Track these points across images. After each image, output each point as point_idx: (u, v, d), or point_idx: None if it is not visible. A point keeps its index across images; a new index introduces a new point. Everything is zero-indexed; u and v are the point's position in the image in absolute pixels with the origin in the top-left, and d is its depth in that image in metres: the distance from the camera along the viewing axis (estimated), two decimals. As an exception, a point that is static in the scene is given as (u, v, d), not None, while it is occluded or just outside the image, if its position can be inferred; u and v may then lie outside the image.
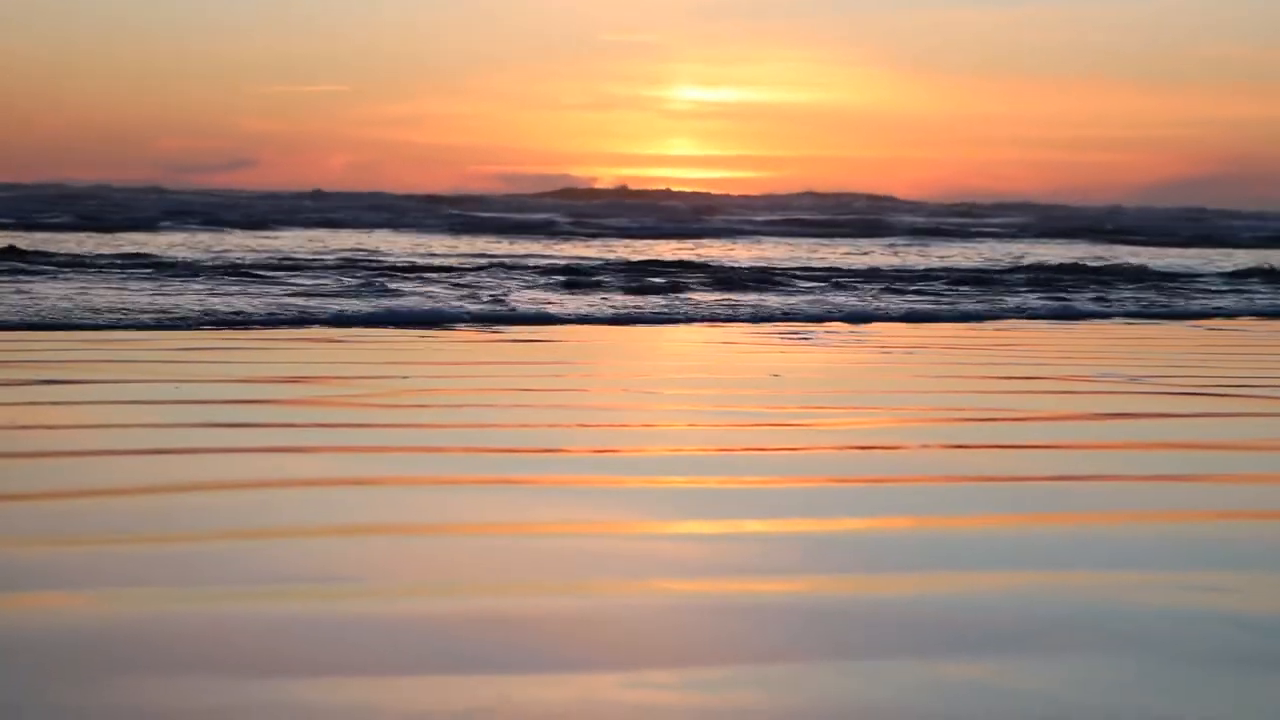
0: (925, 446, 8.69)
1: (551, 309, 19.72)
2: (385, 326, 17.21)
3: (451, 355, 14.18)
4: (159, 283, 21.67)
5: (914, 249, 43.33)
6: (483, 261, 30.08)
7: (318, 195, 78.05)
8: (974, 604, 4.96)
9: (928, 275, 28.98)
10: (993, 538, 6.19)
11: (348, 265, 27.06)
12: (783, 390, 11.74)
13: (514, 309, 19.54)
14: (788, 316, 20.04)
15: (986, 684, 4.11)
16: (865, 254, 39.04)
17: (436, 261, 29.84)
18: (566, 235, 46.84)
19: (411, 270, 26.36)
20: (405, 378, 11.98)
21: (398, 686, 4.00)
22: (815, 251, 39.46)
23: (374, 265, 27.46)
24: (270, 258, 28.74)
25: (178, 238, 38.50)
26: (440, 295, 21.05)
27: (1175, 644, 4.54)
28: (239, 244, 35.38)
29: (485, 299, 20.70)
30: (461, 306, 19.51)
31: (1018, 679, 4.15)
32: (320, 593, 4.98)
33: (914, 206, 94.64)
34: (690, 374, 13.16)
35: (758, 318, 19.71)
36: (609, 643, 4.44)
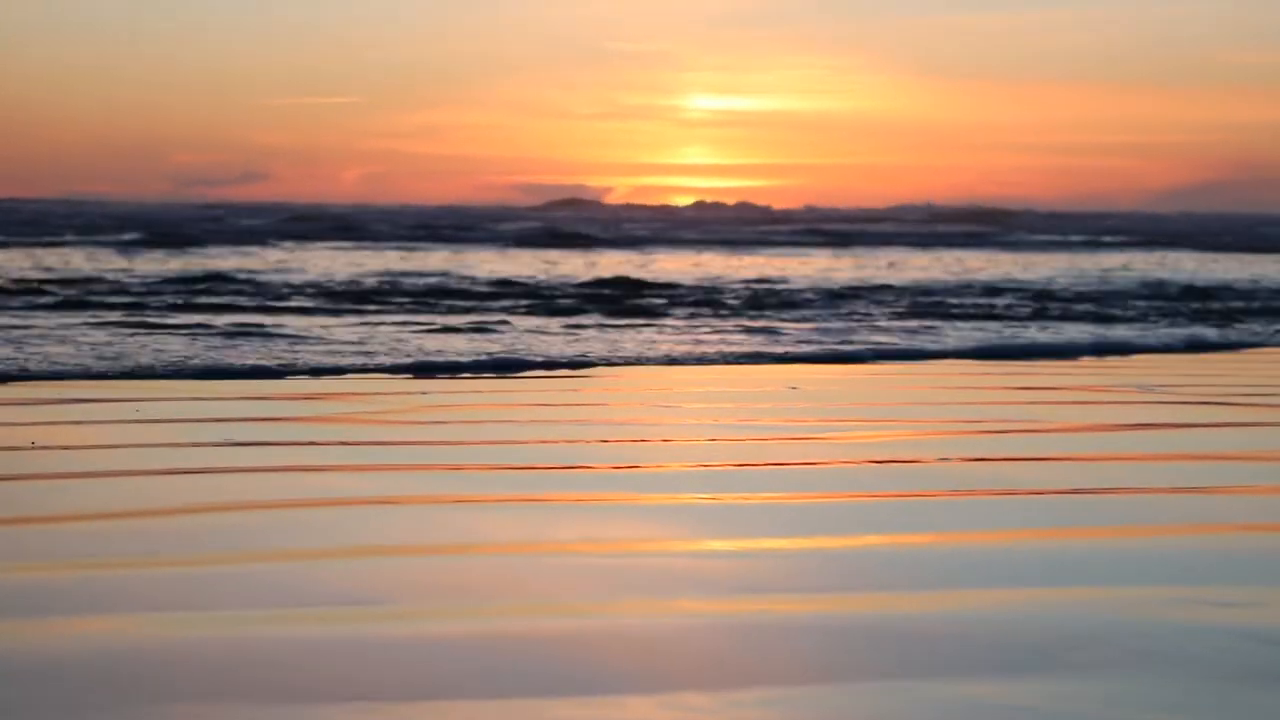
0: (944, 460, 8.69)
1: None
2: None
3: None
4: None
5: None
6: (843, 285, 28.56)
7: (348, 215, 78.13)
8: (997, 621, 4.96)
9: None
10: (1014, 553, 6.19)
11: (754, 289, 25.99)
12: (800, 403, 11.75)
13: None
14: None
15: (1012, 704, 4.11)
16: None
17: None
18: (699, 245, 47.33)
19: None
20: (424, 394, 12.00)
21: (426, 711, 4.00)
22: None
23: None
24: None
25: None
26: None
27: (1196, 660, 4.54)
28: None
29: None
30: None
31: (1045, 699, 4.15)
32: (346, 616, 4.99)
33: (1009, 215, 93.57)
34: (707, 386, 13.16)
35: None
36: (641, 664, 4.45)
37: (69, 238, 43.78)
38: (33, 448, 8.78)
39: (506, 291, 25.12)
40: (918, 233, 63.40)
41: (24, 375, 12.71)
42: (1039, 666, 4.44)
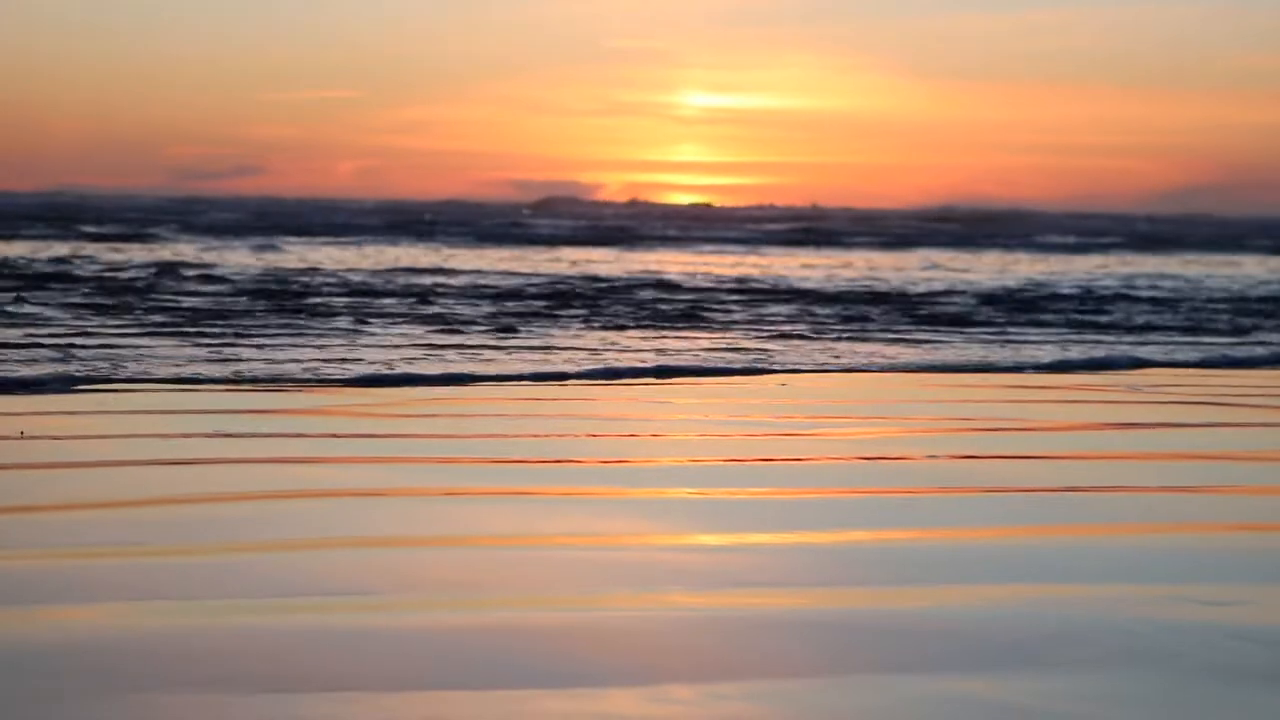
0: (933, 457, 8.70)
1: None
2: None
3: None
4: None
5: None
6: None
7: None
8: (984, 617, 4.97)
9: None
10: (1002, 550, 6.20)
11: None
12: (789, 399, 11.76)
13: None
14: None
15: (999, 701, 4.12)
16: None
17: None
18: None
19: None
20: (413, 387, 12.01)
21: (412, 702, 4.01)
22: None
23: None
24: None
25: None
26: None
27: (1182, 658, 4.54)
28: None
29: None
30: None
31: (1030, 695, 4.17)
32: (333, 606, 4.99)
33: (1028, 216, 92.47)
34: (697, 381, 13.16)
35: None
36: (626, 657, 4.46)
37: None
38: (21, 437, 8.79)
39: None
40: (952, 232, 62.87)
41: None
42: (1025, 663, 4.45)
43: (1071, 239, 59.16)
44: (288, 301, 20.67)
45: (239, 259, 31.99)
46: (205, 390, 11.45)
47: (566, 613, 4.95)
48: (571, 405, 11.17)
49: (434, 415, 10.36)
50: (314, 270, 28.20)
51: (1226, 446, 9.63)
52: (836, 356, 15.34)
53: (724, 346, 15.98)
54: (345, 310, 19.50)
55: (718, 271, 32.03)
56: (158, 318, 17.66)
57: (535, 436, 9.31)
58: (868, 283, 28.70)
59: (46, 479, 7.56)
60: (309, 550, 5.90)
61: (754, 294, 25.16)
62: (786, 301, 23.43)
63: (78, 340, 14.63)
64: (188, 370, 12.50)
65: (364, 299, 21.64)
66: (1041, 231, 66.26)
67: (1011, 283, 29.69)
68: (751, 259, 39.97)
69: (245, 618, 4.82)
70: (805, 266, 35.39)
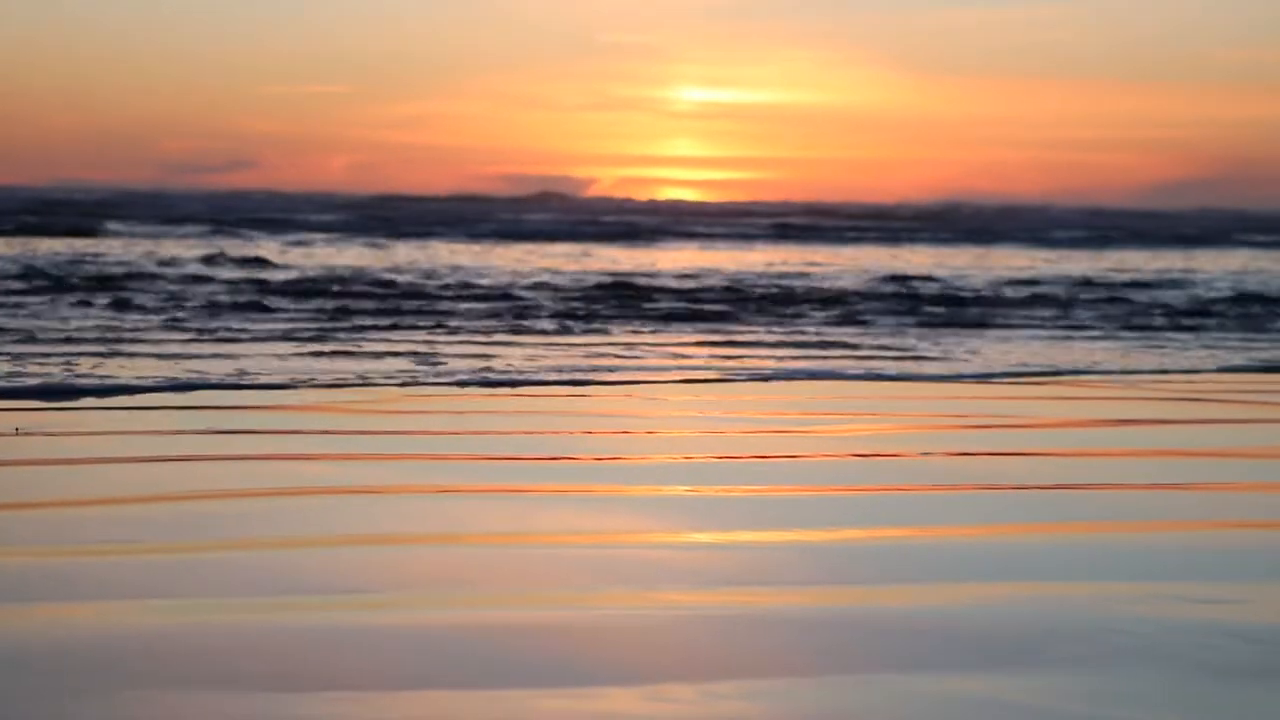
0: (927, 454, 8.71)
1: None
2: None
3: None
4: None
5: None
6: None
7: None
8: (978, 615, 4.98)
9: None
10: (997, 548, 6.21)
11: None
12: (784, 396, 11.77)
13: None
14: None
15: (994, 699, 4.13)
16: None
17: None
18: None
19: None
20: (407, 384, 12.00)
21: (408, 701, 4.01)
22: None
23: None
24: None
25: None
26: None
27: (1178, 656, 4.55)
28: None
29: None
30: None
31: (1027, 694, 4.17)
32: (329, 605, 5.00)
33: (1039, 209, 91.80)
34: (691, 377, 13.17)
35: None
36: (623, 655, 4.46)
37: None
38: (16, 434, 8.79)
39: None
40: (968, 228, 62.39)
41: None
42: (1020, 661, 4.46)
43: (1125, 233, 58.77)
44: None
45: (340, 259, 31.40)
46: (199, 387, 11.44)
47: (563, 611, 4.96)
48: (567, 402, 11.17)
49: (428, 412, 10.36)
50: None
51: (1219, 443, 9.64)
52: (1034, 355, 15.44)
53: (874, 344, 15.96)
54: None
55: (779, 269, 31.32)
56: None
57: (530, 433, 9.32)
58: (965, 281, 27.73)
59: (42, 475, 7.56)
60: (307, 548, 5.91)
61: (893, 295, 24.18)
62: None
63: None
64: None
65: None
66: (1051, 227, 65.77)
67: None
68: (804, 254, 39.03)
69: (244, 615, 4.83)
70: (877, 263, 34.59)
